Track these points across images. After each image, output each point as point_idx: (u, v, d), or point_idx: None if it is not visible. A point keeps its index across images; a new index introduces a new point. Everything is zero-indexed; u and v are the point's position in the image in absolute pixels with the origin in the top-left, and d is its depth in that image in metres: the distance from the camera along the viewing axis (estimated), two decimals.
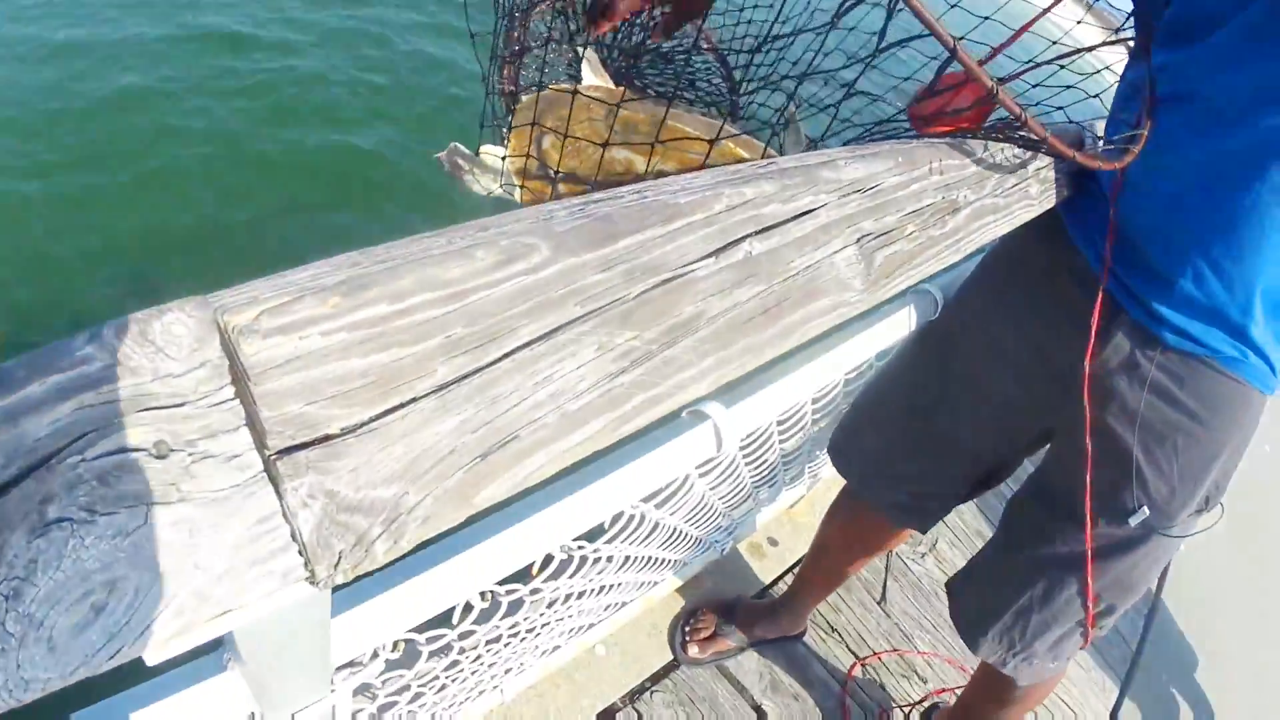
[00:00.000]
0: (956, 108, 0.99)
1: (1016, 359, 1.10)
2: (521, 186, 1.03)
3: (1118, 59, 1.05)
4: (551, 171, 1.02)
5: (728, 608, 1.79)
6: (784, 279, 0.54)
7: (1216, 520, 1.02)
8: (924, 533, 1.37)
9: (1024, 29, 1.09)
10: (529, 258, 0.38)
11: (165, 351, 0.30)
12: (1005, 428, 1.16)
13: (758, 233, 0.51)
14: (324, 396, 0.33)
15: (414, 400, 0.35)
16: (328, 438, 0.33)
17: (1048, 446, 1.15)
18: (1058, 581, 1.08)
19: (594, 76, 1.12)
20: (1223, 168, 0.83)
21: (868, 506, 1.39)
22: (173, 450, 0.30)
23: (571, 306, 0.40)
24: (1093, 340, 0.92)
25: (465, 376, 0.37)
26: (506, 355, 0.38)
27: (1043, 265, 1.07)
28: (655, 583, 1.73)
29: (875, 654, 1.87)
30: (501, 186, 1.10)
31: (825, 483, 2.12)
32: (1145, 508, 0.97)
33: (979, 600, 1.22)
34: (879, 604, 1.98)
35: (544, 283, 0.38)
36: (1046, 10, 1.09)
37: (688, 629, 1.74)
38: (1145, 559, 1.03)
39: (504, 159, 1.08)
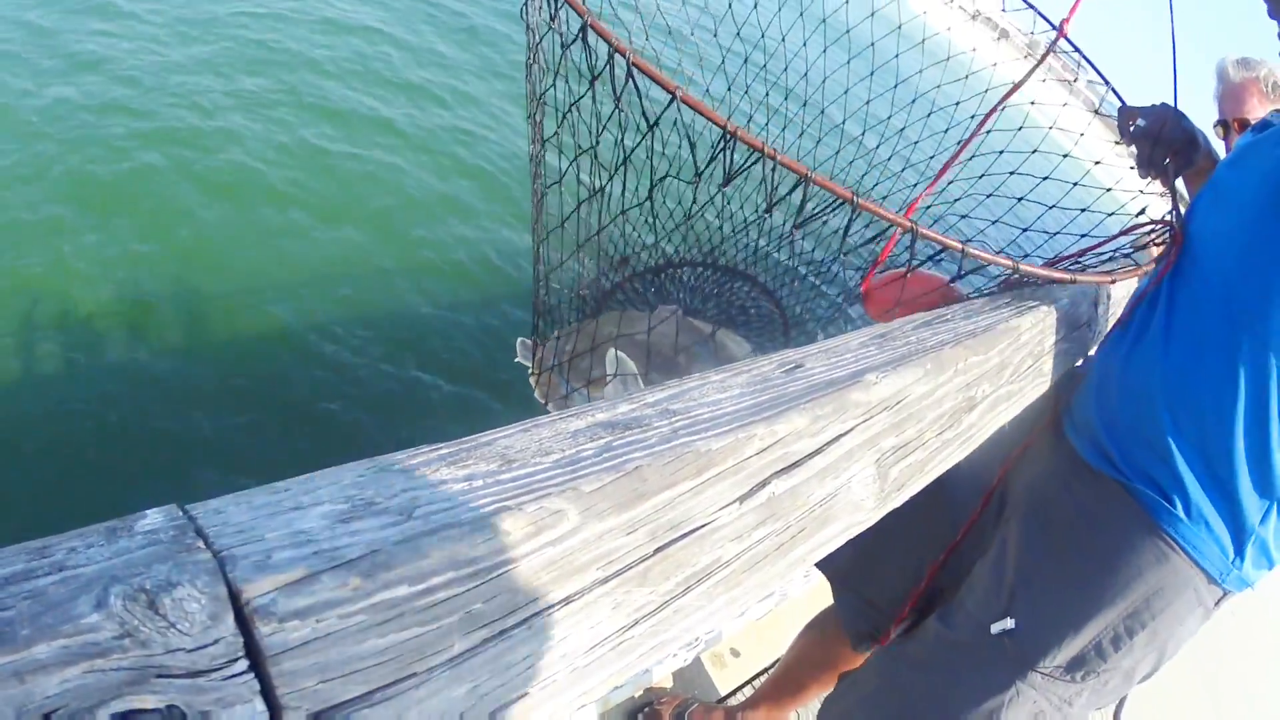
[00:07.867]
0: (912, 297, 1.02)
1: (983, 480, 1.13)
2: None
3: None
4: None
5: (682, 706, 1.79)
6: (801, 513, 0.54)
7: None
8: (856, 649, 1.37)
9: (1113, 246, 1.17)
10: (556, 527, 0.37)
11: (177, 627, 0.30)
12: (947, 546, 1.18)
13: (782, 470, 0.51)
14: (340, 674, 0.32)
15: (429, 671, 0.35)
16: (341, 704, 0.33)
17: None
18: None
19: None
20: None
21: (834, 621, 1.41)
22: (185, 717, 0.29)
23: (593, 571, 0.39)
24: (1028, 440, 0.99)
25: (480, 645, 0.36)
26: (523, 623, 0.37)
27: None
28: (618, 686, 1.70)
29: None
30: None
31: (794, 600, 2.10)
32: (1010, 619, 0.94)
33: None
34: None
35: (568, 551, 0.38)
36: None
37: (641, 717, 1.73)
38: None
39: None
